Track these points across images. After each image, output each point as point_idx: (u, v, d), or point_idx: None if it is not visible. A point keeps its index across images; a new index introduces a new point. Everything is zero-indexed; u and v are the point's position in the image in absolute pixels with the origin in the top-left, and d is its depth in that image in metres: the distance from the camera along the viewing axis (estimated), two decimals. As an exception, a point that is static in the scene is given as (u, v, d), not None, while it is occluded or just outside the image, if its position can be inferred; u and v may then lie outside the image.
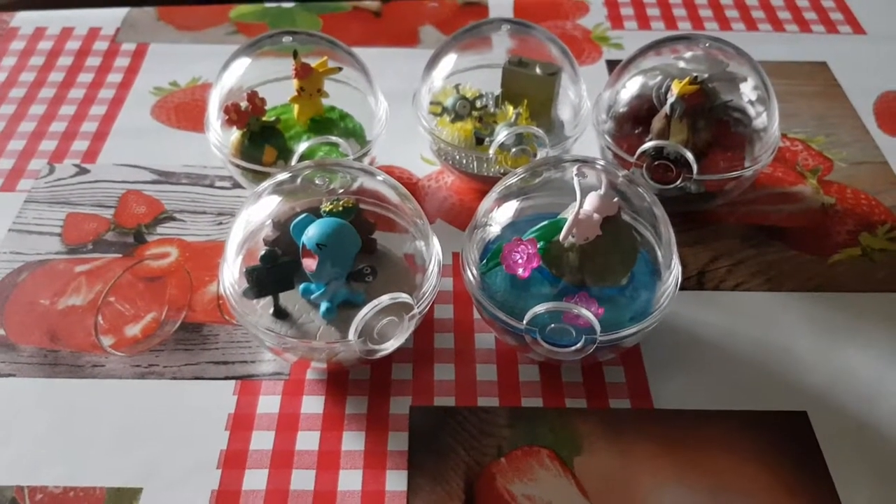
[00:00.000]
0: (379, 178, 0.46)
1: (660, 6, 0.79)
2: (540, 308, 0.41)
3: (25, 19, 0.76)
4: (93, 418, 0.44)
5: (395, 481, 0.41)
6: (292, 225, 0.42)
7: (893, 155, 0.62)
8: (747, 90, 0.54)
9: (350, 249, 0.42)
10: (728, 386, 0.46)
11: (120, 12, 0.77)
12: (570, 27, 0.76)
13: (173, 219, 0.56)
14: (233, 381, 0.46)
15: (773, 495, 0.41)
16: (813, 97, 0.68)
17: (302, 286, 0.44)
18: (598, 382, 0.46)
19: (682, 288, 0.44)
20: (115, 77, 0.69)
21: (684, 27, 0.76)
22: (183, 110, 0.65)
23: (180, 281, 0.52)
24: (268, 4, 0.79)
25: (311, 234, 0.41)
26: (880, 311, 0.50)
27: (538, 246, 0.42)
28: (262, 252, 0.43)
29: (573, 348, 0.41)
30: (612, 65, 0.71)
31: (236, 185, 0.58)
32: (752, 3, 0.79)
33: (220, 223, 0.56)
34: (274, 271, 0.43)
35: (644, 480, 0.41)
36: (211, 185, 0.58)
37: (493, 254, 0.45)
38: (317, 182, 0.44)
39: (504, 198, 0.47)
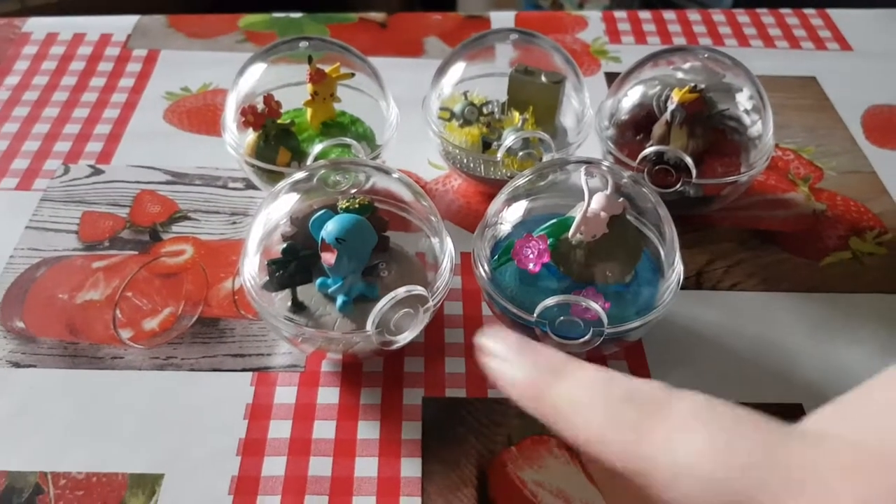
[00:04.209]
0: (394, 175, 0.48)
1: (655, 22, 0.82)
2: (550, 301, 0.43)
3: (37, 25, 0.78)
4: (113, 407, 0.46)
5: (410, 468, 0.43)
6: (312, 220, 0.44)
7: (881, 164, 0.64)
8: (743, 100, 0.57)
9: (367, 244, 0.44)
10: (727, 379, 0.48)
11: (130, 20, 0.79)
12: (570, 41, 0.78)
13: (188, 218, 0.57)
14: (250, 373, 0.47)
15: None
16: (803, 110, 0.71)
17: (319, 280, 0.45)
18: (603, 376, 0.48)
19: (681, 287, 0.46)
20: (126, 82, 0.71)
21: (679, 42, 0.79)
22: (195, 114, 0.67)
23: (196, 277, 0.53)
24: (276, 14, 0.81)
25: (331, 228, 0.43)
26: (870, 311, 0.52)
27: (548, 242, 0.44)
28: (284, 246, 0.44)
29: (581, 340, 0.43)
30: (610, 77, 0.73)
31: (249, 186, 0.60)
32: (743, 21, 0.83)
33: (234, 222, 0.57)
34: (295, 264, 0.44)
35: (648, 468, 0.43)
36: (224, 186, 0.60)
37: (503, 251, 0.47)
38: (338, 179, 0.46)
39: (513, 198, 0.48)
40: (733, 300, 0.53)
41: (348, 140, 0.53)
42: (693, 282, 0.54)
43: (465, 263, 0.53)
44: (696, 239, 0.57)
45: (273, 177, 0.54)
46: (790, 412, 0.46)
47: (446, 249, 0.46)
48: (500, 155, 0.54)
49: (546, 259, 0.44)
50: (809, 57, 0.78)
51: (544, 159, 0.54)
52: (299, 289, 0.45)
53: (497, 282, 0.46)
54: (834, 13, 0.84)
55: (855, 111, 0.70)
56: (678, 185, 0.53)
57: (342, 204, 0.45)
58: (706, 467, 0.21)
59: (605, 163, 0.47)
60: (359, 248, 0.44)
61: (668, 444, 0.22)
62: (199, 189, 0.60)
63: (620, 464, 0.23)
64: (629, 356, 0.49)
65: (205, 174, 0.61)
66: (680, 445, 0.22)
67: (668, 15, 0.83)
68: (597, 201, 0.44)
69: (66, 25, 0.78)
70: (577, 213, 0.44)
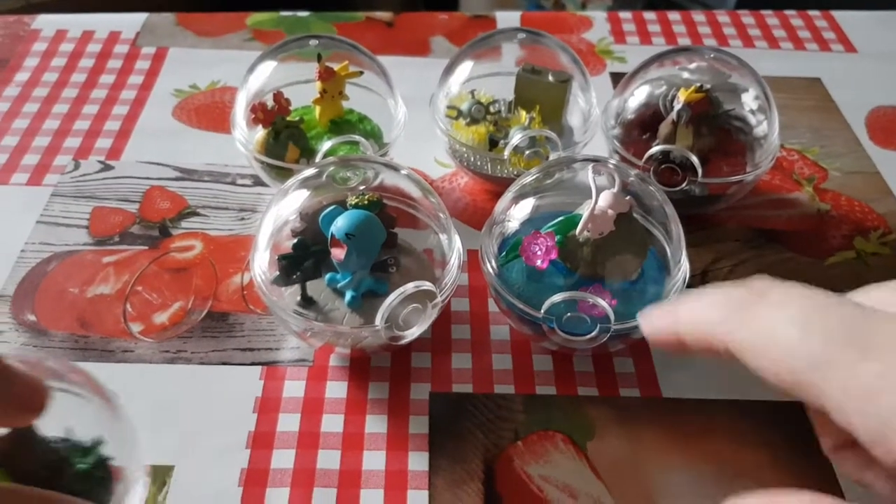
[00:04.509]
0: (402, 172, 0.48)
1: (660, 23, 0.82)
2: (557, 297, 0.43)
3: (46, 22, 0.78)
4: (124, 400, 0.46)
5: (417, 462, 0.43)
6: (321, 216, 0.44)
7: (884, 165, 0.65)
8: (749, 100, 0.57)
9: (377, 240, 0.44)
10: (731, 377, 0.48)
11: (139, 17, 0.79)
12: (576, 41, 0.79)
13: (197, 214, 0.58)
14: (259, 367, 0.48)
15: (774, 476, 0.43)
16: (808, 111, 0.71)
17: (328, 276, 0.46)
18: (609, 372, 0.48)
19: (687, 285, 0.47)
20: (135, 79, 0.71)
21: (684, 43, 0.80)
22: (204, 111, 0.68)
23: (205, 272, 0.54)
24: (283, 13, 0.81)
25: (341, 224, 0.43)
26: (874, 310, 0.53)
27: (555, 239, 0.45)
28: (295, 241, 0.45)
29: (588, 337, 0.44)
30: (615, 76, 0.74)
31: (258, 183, 0.60)
32: (748, 22, 0.83)
33: (243, 219, 0.58)
34: (305, 260, 0.45)
35: (653, 463, 0.44)
36: (233, 183, 0.61)
37: (511, 247, 0.47)
38: (347, 175, 0.46)
39: (520, 196, 0.49)
40: (738, 298, 0.53)
41: (356, 137, 0.54)
42: (698, 280, 0.54)
43: (472, 260, 0.54)
44: (702, 237, 0.57)
45: (282, 173, 0.55)
46: (793, 412, 0.46)
47: (454, 246, 0.47)
48: (506, 153, 0.54)
49: (554, 255, 0.44)
50: (814, 58, 0.78)
51: (551, 158, 0.55)
52: (309, 284, 0.46)
53: (504, 278, 0.46)
54: (838, 15, 0.84)
55: (859, 112, 0.71)
56: (684, 184, 0.53)
57: (351, 200, 0.45)
58: (793, 334, 0.23)
59: (612, 161, 0.48)
60: (368, 243, 0.44)
61: (762, 320, 0.24)
62: (208, 185, 0.60)
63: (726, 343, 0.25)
64: (635, 353, 0.49)
65: (214, 171, 0.62)
66: (772, 321, 0.24)
67: (673, 16, 0.83)
68: (604, 199, 0.45)
69: (75, 23, 0.78)
70: (585, 211, 0.45)
